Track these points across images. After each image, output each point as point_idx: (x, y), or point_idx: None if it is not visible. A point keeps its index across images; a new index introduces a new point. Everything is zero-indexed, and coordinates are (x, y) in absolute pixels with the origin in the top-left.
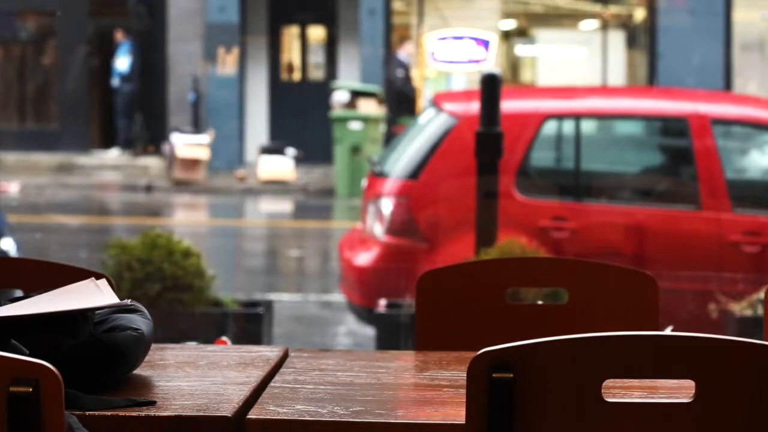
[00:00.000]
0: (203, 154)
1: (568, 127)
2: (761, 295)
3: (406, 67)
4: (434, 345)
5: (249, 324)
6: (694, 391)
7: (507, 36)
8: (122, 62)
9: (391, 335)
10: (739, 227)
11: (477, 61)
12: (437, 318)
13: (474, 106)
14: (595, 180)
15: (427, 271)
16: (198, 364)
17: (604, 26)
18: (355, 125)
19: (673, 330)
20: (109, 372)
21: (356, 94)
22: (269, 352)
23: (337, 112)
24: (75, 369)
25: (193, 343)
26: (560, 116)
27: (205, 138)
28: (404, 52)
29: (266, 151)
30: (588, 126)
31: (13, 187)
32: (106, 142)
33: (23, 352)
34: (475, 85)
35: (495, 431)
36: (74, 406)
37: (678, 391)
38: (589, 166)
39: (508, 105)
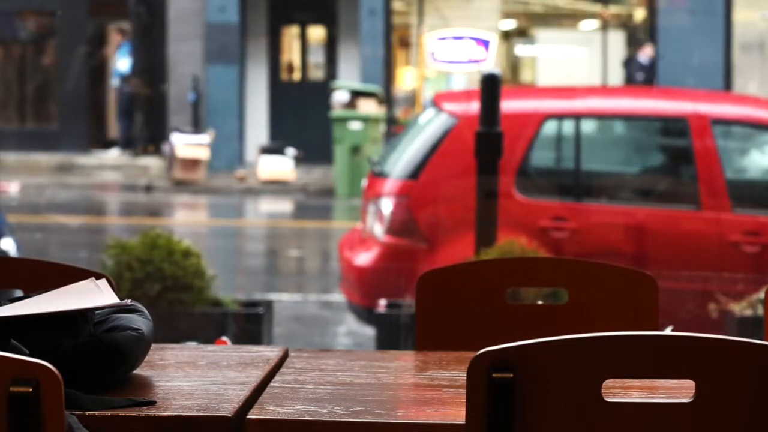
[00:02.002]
0: (203, 154)
1: (568, 127)
2: (761, 295)
3: (646, 71)
4: (434, 345)
5: (249, 324)
6: (694, 391)
7: (507, 36)
8: (123, 63)
9: (391, 335)
10: (739, 227)
11: (477, 61)
12: (437, 318)
13: (474, 106)
14: (595, 180)
15: (427, 271)
16: (198, 364)
17: (604, 26)
18: (355, 125)
19: (673, 330)
20: (109, 372)
21: (356, 94)
22: (269, 352)
23: (337, 112)
24: (75, 369)
25: (193, 343)
26: (560, 116)
27: (205, 138)
28: (645, 55)
29: (266, 151)
30: (588, 126)
31: (13, 187)
32: (106, 142)
33: (23, 352)
34: (475, 85)
35: (495, 431)
36: (74, 406)
37: (678, 391)
38: (589, 166)
39: (508, 105)
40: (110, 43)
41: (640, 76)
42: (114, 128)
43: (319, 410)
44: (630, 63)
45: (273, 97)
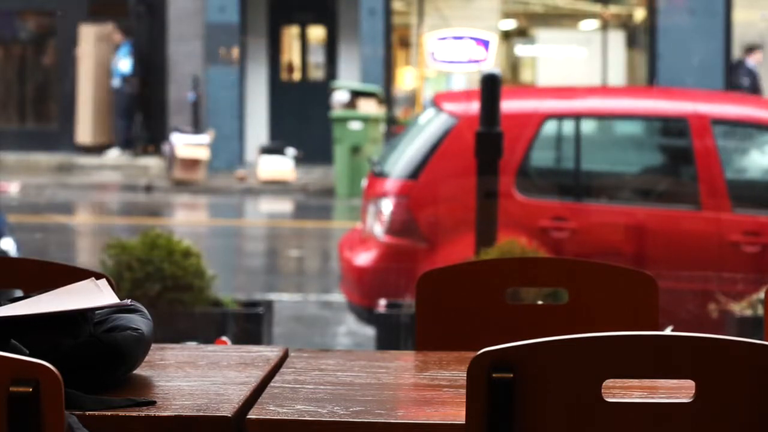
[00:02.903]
0: (203, 154)
1: (568, 127)
2: (761, 295)
3: (754, 76)
4: (434, 345)
5: (249, 324)
6: (694, 391)
7: (507, 36)
8: (124, 63)
9: (391, 335)
10: (739, 227)
11: (477, 61)
12: (437, 318)
13: (474, 106)
14: (595, 180)
15: (427, 271)
16: (198, 364)
17: (604, 26)
18: (355, 125)
19: (673, 330)
20: (109, 372)
21: (356, 94)
22: (269, 352)
23: (337, 112)
24: (75, 369)
25: (193, 343)
26: (560, 116)
27: (205, 138)
28: (753, 60)
29: (266, 151)
30: (588, 126)
31: (13, 187)
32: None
33: (23, 352)
34: (475, 85)
35: (495, 431)
36: (74, 406)
37: (678, 391)
38: (589, 166)
39: (508, 105)
40: (81, 43)
41: (746, 82)
42: (84, 131)
43: (319, 410)
44: (737, 67)
45: (273, 97)
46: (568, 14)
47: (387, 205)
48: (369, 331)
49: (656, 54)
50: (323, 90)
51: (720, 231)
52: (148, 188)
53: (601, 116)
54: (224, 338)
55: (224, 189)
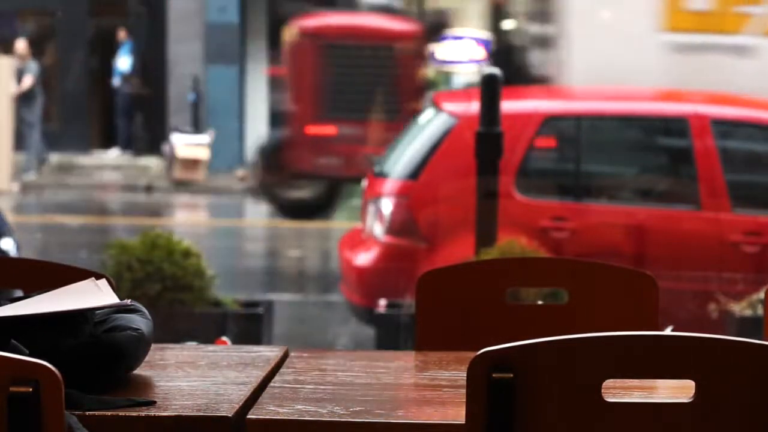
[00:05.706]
0: (203, 154)
1: (568, 127)
2: (761, 295)
3: None
4: (434, 345)
5: (249, 324)
6: (694, 391)
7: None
8: (123, 62)
9: (391, 335)
10: (739, 227)
11: (477, 61)
12: (437, 318)
13: (474, 106)
14: (595, 180)
15: (427, 271)
16: (198, 364)
17: None
18: None
19: (673, 330)
20: (109, 372)
21: None
22: (269, 352)
23: None
24: (75, 369)
25: (193, 343)
26: (560, 116)
27: (205, 138)
28: None
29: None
30: (588, 126)
31: (13, 187)
32: (106, 142)
33: (23, 352)
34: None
35: (495, 431)
36: (74, 406)
37: (678, 391)
38: (589, 166)
39: (508, 105)
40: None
41: None
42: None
43: (319, 410)
44: None
45: (273, 97)
46: None
47: (387, 205)
48: (369, 331)
49: None
50: None
51: (720, 231)
52: (149, 188)
53: (601, 116)
54: (224, 338)
55: (224, 189)
